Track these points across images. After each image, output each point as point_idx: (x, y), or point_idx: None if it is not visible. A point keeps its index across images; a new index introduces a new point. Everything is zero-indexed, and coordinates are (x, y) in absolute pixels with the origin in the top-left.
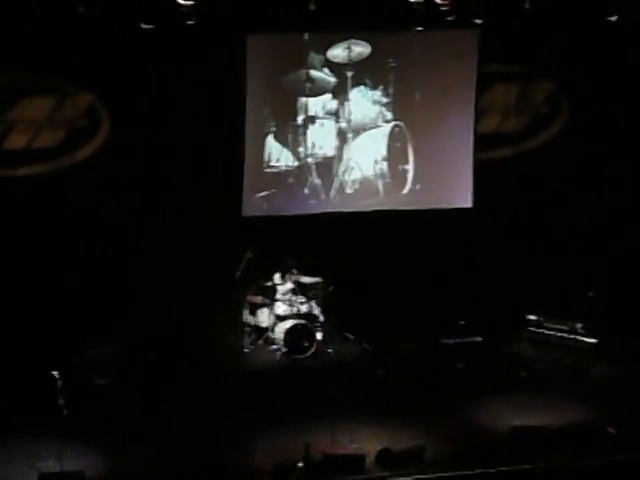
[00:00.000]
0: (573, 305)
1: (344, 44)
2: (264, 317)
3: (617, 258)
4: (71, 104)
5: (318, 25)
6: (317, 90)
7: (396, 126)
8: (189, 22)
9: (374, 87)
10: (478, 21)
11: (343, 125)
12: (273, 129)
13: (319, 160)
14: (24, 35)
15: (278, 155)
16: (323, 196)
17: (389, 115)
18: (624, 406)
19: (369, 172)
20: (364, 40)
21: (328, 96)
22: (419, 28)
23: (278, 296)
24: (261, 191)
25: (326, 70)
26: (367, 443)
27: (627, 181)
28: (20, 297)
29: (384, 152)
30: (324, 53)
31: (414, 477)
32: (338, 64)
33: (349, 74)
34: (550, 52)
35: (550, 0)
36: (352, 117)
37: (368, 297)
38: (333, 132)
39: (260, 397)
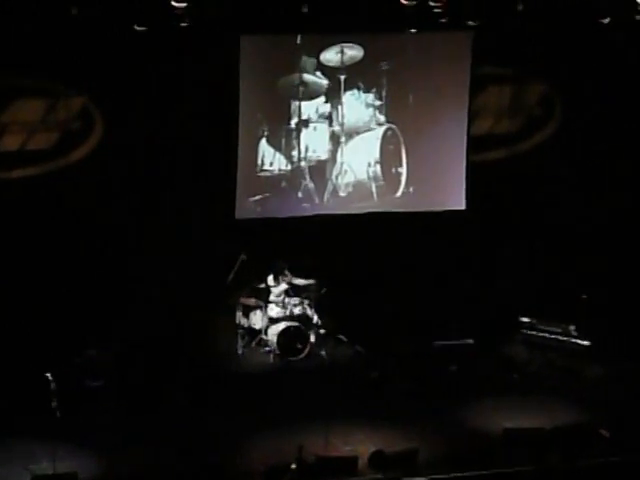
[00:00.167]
0: (566, 307)
1: (337, 48)
2: (257, 319)
3: (610, 260)
4: (64, 106)
5: (311, 27)
6: (310, 94)
7: (389, 129)
8: (182, 24)
9: (367, 90)
10: (471, 23)
11: (336, 128)
12: (266, 133)
13: (312, 164)
14: (17, 37)
15: (271, 159)
16: (317, 200)
17: (382, 118)
18: (617, 408)
19: (362, 175)
20: (357, 43)
21: (321, 99)
22: (412, 30)
23: (271, 298)
24: (254, 195)
25: (319, 74)
26: (360, 445)
27: (621, 183)
28: (13, 299)
29: (377, 155)
30: (317, 56)
31: (407, 479)
32: (331, 67)
33: (342, 77)
34: (543, 54)
35: (543, 2)
36: (345, 120)
37: (361, 299)
38: (326, 135)
39: (253, 399)
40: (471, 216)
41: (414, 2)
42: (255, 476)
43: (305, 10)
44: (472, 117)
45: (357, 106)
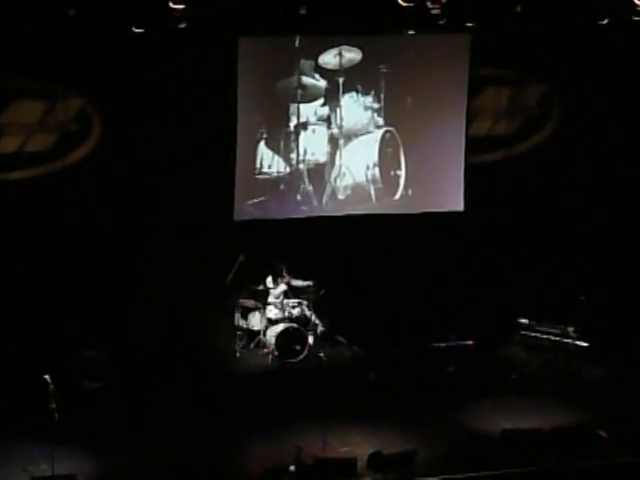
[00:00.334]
0: (564, 308)
1: (335, 50)
2: (256, 321)
3: (609, 261)
4: (62, 108)
5: (309, 29)
6: (309, 96)
7: (387, 132)
8: (181, 26)
9: (365, 93)
10: (469, 24)
11: (335, 131)
12: (265, 135)
13: (311, 166)
14: (15, 38)
15: (270, 161)
16: (315, 202)
17: (380, 121)
18: (615, 409)
19: (361, 178)
20: (355, 46)
21: (320, 102)
22: (410, 32)
23: (270, 299)
24: (253, 198)
25: (317, 76)
26: (359, 447)
27: (620, 184)
28: (11, 301)
29: (376, 158)
30: (315, 59)
31: None
32: (329, 70)
33: (340, 80)
34: (541, 55)
35: (541, 3)
36: (344, 123)
37: (360, 301)
38: (325, 138)
39: (252, 401)
40: (469, 218)
41: (412, 4)
42: (253, 477)
43: (303, 12)
44: (470, 119)
45: (355, 109)
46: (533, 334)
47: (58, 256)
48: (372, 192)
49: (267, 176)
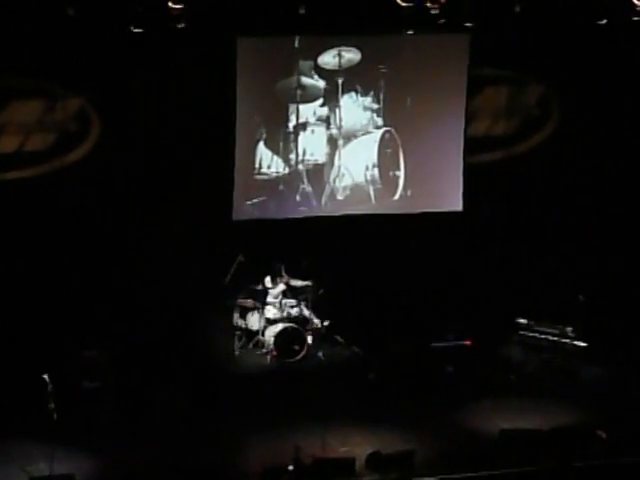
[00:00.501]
0: (563, 308)
1: (334, 51)
2: (254, 320)
3: (607, 262)
4: (61, 107)
5: (308, 29)
6: (308, 97)
7: (387, 132)
8: (179, 26)
9: (365, 93)
10: (469, 24)
11: (334, 131)
12: (264, 136)
13: (310, 167)
14: (14, 38)
15: (269, 162)
16: (314, 203)
17: (380, 121)
18: (614, 409)
19: (360, 178)
20: (354, 46)
21: (319, 102)
22: (410, 32)
23: (269, 299)
24: (252, 198)
25: (316, 77)
26: (357, 446)
27: (619, 184)
28: (10, 301)
29: (375, 158)
30: (314, 60)
31: None
32: (328, 71)
33: (340, 81)
34: (540, 55)
35: (540, 3)
36: (343, 123)
37: (358, 301)
38: (324, 138)
39: (250, 400)
40: (468, 218)
41: (411, 4)
42: (252, 477)
43: (302, 12)
44: (469, 119)
45: (355, 109)
46: (532, 334)
47: (57, 256)
48: (371, 192)
49: (266, 176)
